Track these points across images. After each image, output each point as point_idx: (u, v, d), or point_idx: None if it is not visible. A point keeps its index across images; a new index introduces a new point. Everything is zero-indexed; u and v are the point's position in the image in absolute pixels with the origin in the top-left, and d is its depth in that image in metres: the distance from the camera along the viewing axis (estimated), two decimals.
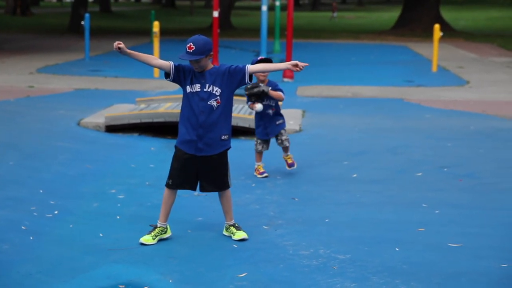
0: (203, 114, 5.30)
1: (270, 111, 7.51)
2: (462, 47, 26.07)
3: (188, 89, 5.32)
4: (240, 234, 5.53)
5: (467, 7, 61.57)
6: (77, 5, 31.23)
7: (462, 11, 55.68)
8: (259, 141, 7.62)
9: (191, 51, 5.19)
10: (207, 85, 5.30)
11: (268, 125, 7.54)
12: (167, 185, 5.51)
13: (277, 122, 7.56)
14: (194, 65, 5.27)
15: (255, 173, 7.62)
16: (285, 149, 7.68)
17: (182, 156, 5.42)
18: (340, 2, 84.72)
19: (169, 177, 5.49)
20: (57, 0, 79.48)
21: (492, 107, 12.38)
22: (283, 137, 7.60)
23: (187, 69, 5.35)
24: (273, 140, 7.81)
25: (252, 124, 9.06)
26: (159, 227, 5.49)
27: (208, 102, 5.30)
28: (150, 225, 5.56)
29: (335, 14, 49.40)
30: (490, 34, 33.16)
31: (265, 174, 7.57)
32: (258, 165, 7.63)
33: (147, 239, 5.42)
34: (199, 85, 5.29)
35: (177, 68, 5.32)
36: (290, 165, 7.65)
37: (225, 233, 5.66)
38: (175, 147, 5.50)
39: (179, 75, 5.33)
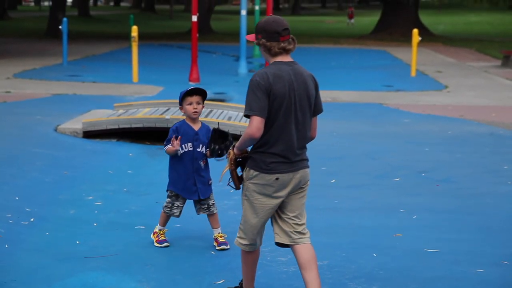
0: None
1: (201, 163, 5.46)
2: (441, 52, 26.25)
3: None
4: None
5: (446, 12, 62.07)
6: (55, 9, 31.05)
7: (441, 16, 56.11)
8: (177, 202, 5.49)
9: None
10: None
11: (199, 181, 5.44)
12: None
13: (210, 181, 5.51)
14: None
15: (152, 236, 5.65)
16: (214, 221, 5.56)
17: None
18: (320, 6, 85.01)
19: None
20: (35, 4, 79.00)
21: (470, 112, 12.47)
22: (210, 201, 5.52)
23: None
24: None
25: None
26: None
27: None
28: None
29: (352, 20, 47.44)
30: (468, 39, 33.43)
31: (165, 244, 5.54)
32: (162, 230, 5.62)
33: None
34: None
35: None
36: (221, 244, 5.50)
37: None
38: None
39: None
